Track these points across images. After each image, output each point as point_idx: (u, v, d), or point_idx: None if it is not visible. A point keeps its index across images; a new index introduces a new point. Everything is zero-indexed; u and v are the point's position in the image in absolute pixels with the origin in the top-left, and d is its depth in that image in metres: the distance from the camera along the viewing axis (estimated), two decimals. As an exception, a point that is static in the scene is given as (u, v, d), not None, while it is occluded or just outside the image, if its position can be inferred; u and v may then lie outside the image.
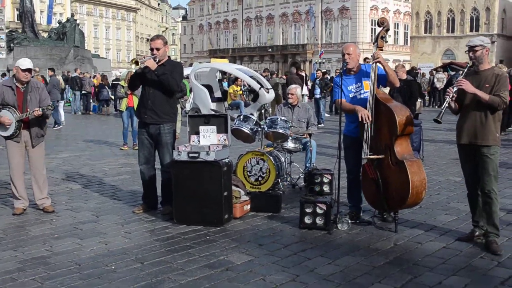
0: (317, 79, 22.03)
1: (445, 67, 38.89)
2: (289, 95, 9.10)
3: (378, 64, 6.16)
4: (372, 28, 63.65)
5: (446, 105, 5.58)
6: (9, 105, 6.91)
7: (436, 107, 29.96)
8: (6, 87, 7.02)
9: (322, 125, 18.00)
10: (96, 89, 27.01)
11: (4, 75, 31.57)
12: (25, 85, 7.00)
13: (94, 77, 29.46)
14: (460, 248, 5.58)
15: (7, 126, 6.91)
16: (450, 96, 5.51)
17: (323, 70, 30.45)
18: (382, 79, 6.32)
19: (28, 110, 6.89)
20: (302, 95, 23.28)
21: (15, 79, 7.02)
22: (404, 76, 11.81)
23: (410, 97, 10.58)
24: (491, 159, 5.47)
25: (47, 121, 7.47)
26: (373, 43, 6.53)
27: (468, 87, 5.39)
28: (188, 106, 17.48)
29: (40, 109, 6.89)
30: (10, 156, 7.14)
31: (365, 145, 6.14)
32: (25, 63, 6.95)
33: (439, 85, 29.68)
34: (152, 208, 7.18)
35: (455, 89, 5.53)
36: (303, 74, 28.28)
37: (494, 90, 5.33)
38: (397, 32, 67.25)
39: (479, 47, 5.47)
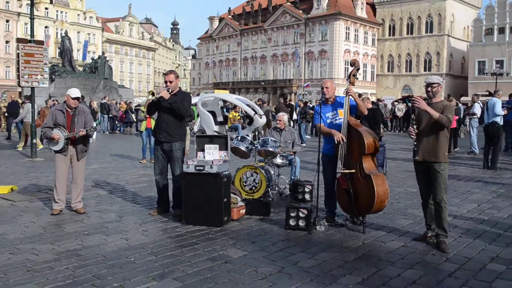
0: (299, 108, 22.24)
1: (404, 99, 38.98)
2: (278, 121, 9.12)
3: (350, 96, 6.20)
4: (345, 67, 63.97)
5: (414, 142, 5.61)
6: (60, 125, 6.99)
7: (397, 131, 30.09)
8: (58, 110, 7.14)
9: (304, 144, 18.00)
10: (123, 114, 27.03)
11: (48, 99, 31.57)
12: (73, 109, 7.06)
13: (118, 104, 29.40)
14: (416, 246, 5.56)
15: (57, 142, 6.98)
16: (414, 135, 5.58)
17: (305, 101, 30.57)
18: (353, 109, 6.35)
19: (75, 130, 6.94)
20: (293, 120, 23.43)
21: (65, 104, 7.09)
22: (369, 106, 11.86)
23: (374, 123, 10.60)
24: (441, 174, 5.49)
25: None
26: (346, 80, 6.56)
27: (421, 104, 5.46)
28: (195, 128, 17.46)
29: (85, 130, 6.97)
30: (57, 166, 7.15)
31: (339, 161, 6.14)
32: (74, 92, 7.11)
33: (399, 113, 29.97)
34: (165, 211, 7.14)
35: (412, 116, 5.61)
36: (292, 103, 28.40)
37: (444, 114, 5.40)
38: (366, 70, 67.59)
39: (435, 84, 5.55)
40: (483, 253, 5.35)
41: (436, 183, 5.49)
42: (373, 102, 15.90)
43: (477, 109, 16.57)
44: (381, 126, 14.35)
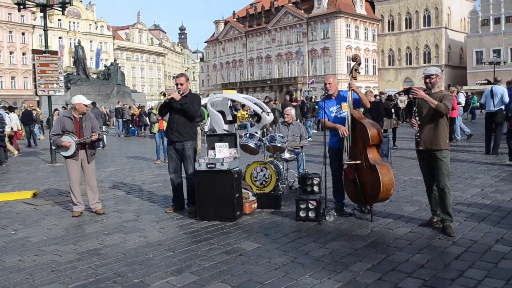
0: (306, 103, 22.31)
1: (406, 91, 38.80)
2: (286, 115, 9.07)
3: (353, 91, 6.17)
4: (347, 63, 63.72)
5: (417, 133, 5.57)
6: (68, 131, 6.98)
7: (400, 122, 29.88)
8: (66, 117, 7.13)
9: (310, 139, 17.96)
10: (137, 118, 27.09)
11: (64, 108, 31.74)
12: (80, 115, 7.07)
13: (131, 108, 29.44)
14: (423, 232, 5.53)
15: (68, 148, 6.96)
16: (416, 126, 5.55)
17: (310, 96, 30.47)
18: (356, 102, 6.31)
19: (84, 135, 6.97)
20: (302, 116, 23.37)
21: (72, 111, 7.10)
22: (372, 99, 11.83)
23: (377, 115, 10.57)
24: (443, 161, 5.45)
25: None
26: (349, 74, 6.54)
27: (420, 93, 5.44)
28: (206, 128, 17.50)
29: (97, 133, 7.00)
30: (70, 171, 7.16)
31: (345, 153, 6.12)
32: (85, 99, 7.20)
33: (402, 105, 29.68)
34: (180, 208, 7.15)
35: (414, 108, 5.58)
36: (304, 99, 28.36)
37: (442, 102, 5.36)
38: (367, 65, 67.31)
39: (433, 76, 5.52)
40: (488, 235, 5.31)
41: (439, 170, 5.45)
42: (375, 96, 15.89)
43: (462, 98, 17.55)
44: (393, 117, 14.38)
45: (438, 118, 5.43)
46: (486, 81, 50.80)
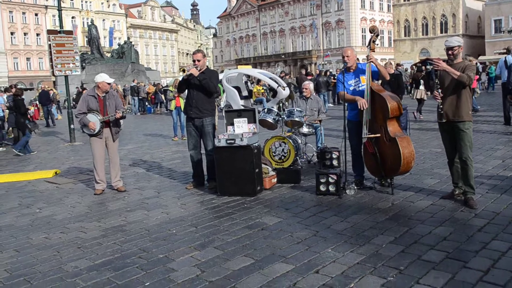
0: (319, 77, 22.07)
1: (422, 62, 38.23)
2: (304, 89, 9.01)
3: (371, 63, 6.09)
4: (362, 35, 62.94)
5: (440, 106, 5.49)
6: (93, 110, 7.03)
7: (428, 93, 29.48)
8: (90, 96, 7.18)
9: (327, 112, 17.82)
10: (152, 95, 27.15)
11: (82, 87, 32.02)
12: (104, 94, 7.12)
13: (145, 86, 29.47)
14: (444, 204, 5.50)
15: (93, 129, 7.02)
16: (439, 98, 5.45)
17: (325, 70, 30.14)
18: (375, 75, 6.25)
19: (109, 113, 7.02)
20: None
21: (96, 89, 7.14)
22: (392, 71, 11.68)
23: (398, 87, 10.47)
24: (466, 133, 5.39)
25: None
26: (367, 47, 6.45)
27: (442, 65, 5.35)
28: (222, 104, 17.50)
29: (121, 111, 7.05)
30: (94, 149, 7.22)
31: (365, 126, 6.08)
32: (108, 78, 7.21)
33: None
34: (201, 184, 7.21)
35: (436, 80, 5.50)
36: (314, 73, 28.05)
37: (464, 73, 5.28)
38: (383, 36, 66.28)
39: (456, 47, 5.42)
40: (510, 207, 5.26)
41: (462, 141, 5.39)
42: (395, 67, 15.74)
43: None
44: (420, 88, 14.33)
45: (461, 89, 5.34)
46: (505, 51, 49.86)
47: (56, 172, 9.05)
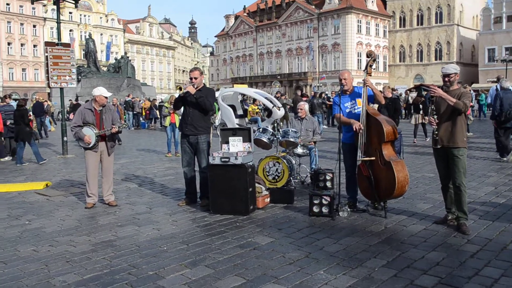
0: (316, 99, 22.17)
1: (417, 88, 38.55)
2: (299, 110, 9.05)
3: (367, 86, 6.13)
4: (358, 59, 63.55)
5: (435, 131, 5.52)
6: (89, 123, 7.01)
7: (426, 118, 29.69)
8: (87, 109, 7.16)
9: (322, 134, 17.86)
10: (147, 111, 27.15)
11: (76, 99, 32.08)
12: (101, 108, 7.10)
13: (142, 102, 29.48)
14: (437, 229, 5.49)
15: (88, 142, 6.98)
16: (434, 124, 5.50)
17: (320, 92, 30.30)
18: (371, 98, 6.28)
19: (105, 127, 7.00)
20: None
21: (93, 102, 7.12)
22: (390, 95, 11.76)
23: (395, 111, 10.53)
24: (460, 159, 5.42)
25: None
26: (364, 70, 6.50)
27: (438, 91, 5.42)
28: (217, 122, 17.53)
29: (117, 126, 7.02)
30: (88, 162, 7.17)
31: (359, 149, 6.09)
32: (106, 91, 7.20)
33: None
34: (193, 201, 7.16)
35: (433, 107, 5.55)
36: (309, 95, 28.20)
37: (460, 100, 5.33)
38: (378, 61, 66.88)
39: (453, 74, 5.49)
40: (503, 234, 5.27)
41: (456, 167, 5.42)
42: (392, 91, 15.91)
43: None
44: (421, 113, 14.49)
45: (456, 115, 5.39)
46: (497, 80, 50.42)
47: (47, 184, 8.97)
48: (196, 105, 6.78)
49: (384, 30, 68.39)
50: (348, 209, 6.25)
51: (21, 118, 12.62)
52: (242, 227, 5.77)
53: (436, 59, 63.18)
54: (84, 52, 48.73)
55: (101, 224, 6.14)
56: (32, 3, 15.74)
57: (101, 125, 7.05)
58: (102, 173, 7.30)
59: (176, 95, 7.08)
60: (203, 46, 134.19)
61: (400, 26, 67.50)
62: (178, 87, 6.95)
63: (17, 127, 12.66)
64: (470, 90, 16.64)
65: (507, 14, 56.48)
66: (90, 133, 6.98)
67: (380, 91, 7.48)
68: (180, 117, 7.65)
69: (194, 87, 6.73)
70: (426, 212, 6.30)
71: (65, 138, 14.01)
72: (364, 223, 5.86)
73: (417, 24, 65.37)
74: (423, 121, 15.16)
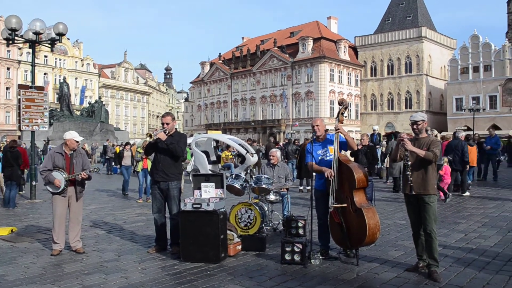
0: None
1: (388, 136, 39.26)
2: (271, 157, 9.09)
3: (340, 133, 6.21)
4: (331, 107, 64.67)
5: (410, 178, 5.58)
6: (59, 167, 6.88)
7: (383, 166, 30.08)
8: (57, 153, 7.05)
9: (294, 180, 17.90)
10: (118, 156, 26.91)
11: (48, 143, 31.62)
12: (71, 151, 7.00)
13: (114, 147, 29.26)
14: (409, 277, 5.48)
15: (58, 186, 6.83)
16: (409, 171, 5.56)
17: (294, 139, 30.56)
18: (344, 145, 6.36)
19: (75, 171, 6.88)
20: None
21: (64, 146, 7.02)
22: (366, 143, 11.96)
23: (373, 159, 10.70)
24: (431, 206, 5.48)
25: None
26: (336, 118, 6.59)
27: (408, 145, 5.50)
28: (189, 168, 17.40)
29: (87, 171, 6.91)
30: (56, 207, 7.00)
31: (331, 196, 6.10)
32: (77, 135, 7.10)
33: (383, 149, 30.01)
34: (163, 249, 7.00)
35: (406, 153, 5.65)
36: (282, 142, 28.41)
37: (430, 149, 5.44)
38: (350, 109, 68.21)
39: (420, 122, 5.63)
40: (474, 281, 5.28)
41: (427, 214, 5.47)
42: (370, 138, 16.25)
43: None
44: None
45: (427, 164, 5.49)
46: (465, 127, 51.74)
47: (12, 230, 8.68)
48: (167, 151, 6.75)
49: (356, 79, 70.08)
50: (320, 257, 6.21)
51: (15, 160, 12.42)
52: (213, 275, 5.65)
53: (406, 108, 64.71)
54: (57, 96, 48.61)
55: (67, 272, 5.93)
56: (7, 46, 15.68)
57: (71, 169, 6.93)
58: (69, 219, 7.12)
59: (147, 141, 7.03)
60: (178, 92, 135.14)
61: (371, 75, 69.28)
62: (147, 134, 6.92)
63: (10, 168, 12.40)
64: (436, 135, 17.25)
65: (473, 65, 58.61)
66: (60, 177, 6.85)
67: (357, 138, 7.60)
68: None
69: (165, 132, 6.71)
70: (397, 259, 6.30)
71: (33, 183, 13.70)
72: (336, 270, 5.81)
73: (388, 74, 67.23)
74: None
